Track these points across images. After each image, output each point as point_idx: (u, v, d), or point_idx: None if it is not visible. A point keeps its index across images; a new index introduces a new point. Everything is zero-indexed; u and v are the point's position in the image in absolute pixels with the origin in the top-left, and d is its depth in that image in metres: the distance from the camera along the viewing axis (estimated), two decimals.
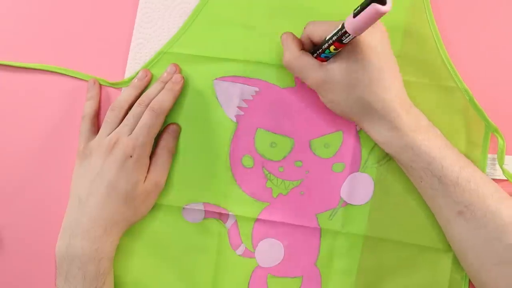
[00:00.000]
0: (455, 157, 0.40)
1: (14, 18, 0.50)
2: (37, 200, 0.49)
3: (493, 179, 0.45)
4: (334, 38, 0.38)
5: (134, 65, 0.48)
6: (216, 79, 0.47)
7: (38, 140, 0.49)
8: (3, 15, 0.50)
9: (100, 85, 0.48)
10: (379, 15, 0.34)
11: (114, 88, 0.49)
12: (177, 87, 0.46)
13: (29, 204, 0.49)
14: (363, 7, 0.34)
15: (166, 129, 0.47)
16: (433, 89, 0.45)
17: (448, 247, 0.44)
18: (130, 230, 0.46)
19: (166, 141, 0.46)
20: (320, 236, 0.46)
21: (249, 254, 0.47)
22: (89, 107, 0.47)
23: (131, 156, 0.43)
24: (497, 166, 0.45)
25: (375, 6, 0.33)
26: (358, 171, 0.46)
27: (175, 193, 0.47)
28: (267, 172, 0.47)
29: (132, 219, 0.45)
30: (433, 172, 0.40)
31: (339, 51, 0.40)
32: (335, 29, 0.38)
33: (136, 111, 0.45)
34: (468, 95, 0.45)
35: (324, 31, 0.40)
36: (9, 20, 0.50)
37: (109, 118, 0.45)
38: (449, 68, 0.45)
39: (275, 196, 0.47)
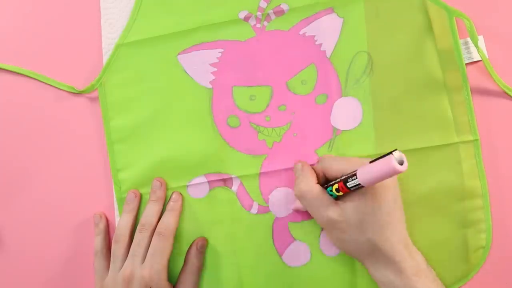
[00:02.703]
0: None
1: None
2: (37, 200, 0.49)
3: (472, 62, 0.45)
4: (342, 178, 0.39)
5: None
6: (179, 54, 0.47)
7: (36, 139, 0.50)
8: None
9: (106, 219, 0.48)
10: (394, 173, 0.34)
11: (85, 94, 0.49)
12: (178, 205, 0.46)
13: (29, 204, 0.49)
14: (379, 159, 0.35)
15: (194, 246, 0.46)
16: None
17: (451, 140, 0.44)
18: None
19: (194, 260, 0.46)
20: None
21: (264, 209, 0.47)
22: (99, 243, 0.47)
23: (150, 287, 0.43)
24: (472, 49, 0.45)
25: (392, 162, 0.34)
26: (341, 96, 0.46)
27: (175, 174, 0.47)
28: (255, 126, 0.47)
29: None
30: None
31: (343, 195, 0.40)
32: (349, 173, 0.39)
33: (140, 238, 0.44)
34: None
35: (340, 170, 0.41)
36: None
37: (115, 252, 0.45)
38: None
39: (270, 146, 0.47)
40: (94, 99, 0.49)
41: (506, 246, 0.45)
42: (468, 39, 0.45)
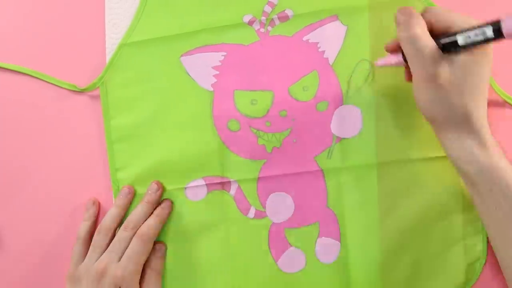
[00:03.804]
0: None
1: None
2: (37, 200, 0.49)
3: None
4: (478, 39, 0.36)
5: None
6: (182, 55, 0.47)
7: (36, 137, 0.50)
8: None
9: (99, 207, 0.48)
10: None
11: (86, 92, 0.49)
12: (166, 213, 0.46)
13: (29, 204, 0.49)
14: None
15: (153, 251, 0.46)
16: (391, 3, 0.45)
17: None
18: None
19: (154, 263, 0.46)
20: (324, 177, 0.46)
21: (261, 214, 0.47)
22: (84, 229, 0.47)
23: (120, 287, 0.43)
24: None
25: None
26: (342, 104, 0.46)
27: (173, 176, 0.47)
28: (255, 130, 0.47)
29: None
30: None
31: (462, 51, 0.37)
32: (477, 28, 0.36)
33: (122, 236, 0.44)
34: (426, 1, 0.45)
35: (451, 22, 0.37)
36: None
37: (96, 242, 0.45)
38: None
39: (269, 151, 0.47)
40: (95, 98, 0.49)
41: None
42: None
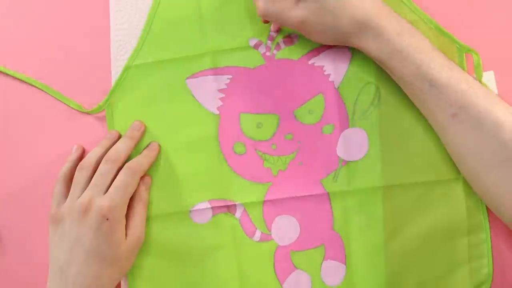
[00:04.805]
0: (442, 59, 0.40)
1: None
2: (37, 200, 0.49)
3: None
4: None
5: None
6: (187, 78, 0.47)
7: (41, 151, 0.50)
8: None
9: (84, 150, 0.48)
10: None
11: (92, 114, 0.49)
12: (154, 154, 0.46)
13: (29, 204, 0.49)
14: None
15: (140, 182, 0.45)
16: None
17: (457, 175, 0.44)
18: (143, 246, 0.46)
19: (141, 195, 0.45)
20: (330, 200, 0.46)
21: (266, 237, 0.47)
22: (66, 169, 0.46)
23: (107, 219, 0.41)
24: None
25: None
26: (348, 127, 0.46)
27: (178, 199, 0.47)
28: (261, 153, 0.47)
29: (119, 277, 0.44)
30: (423, 75, 0.39)
31: None
32: None
33: (104, 169, 0.43)
34: (432, 23, 0.45)
35: None
36: None
37: (77, 178, 0.44)
38: (407, 3, 0.45)
39: (275, 174, 0.47)
40: (101, 119, 0.49)
41: (505, 281, 0.45)
42: (475, 76, 0.45)
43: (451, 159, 0.44)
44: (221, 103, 0.47)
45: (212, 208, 0.47)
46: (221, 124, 0.47)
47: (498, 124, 0.37)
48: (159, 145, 0.47)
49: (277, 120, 0.47)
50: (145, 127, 0.47)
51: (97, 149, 0.46)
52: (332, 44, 0.44)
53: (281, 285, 0.47)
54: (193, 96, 0.47)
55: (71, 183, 0.45)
